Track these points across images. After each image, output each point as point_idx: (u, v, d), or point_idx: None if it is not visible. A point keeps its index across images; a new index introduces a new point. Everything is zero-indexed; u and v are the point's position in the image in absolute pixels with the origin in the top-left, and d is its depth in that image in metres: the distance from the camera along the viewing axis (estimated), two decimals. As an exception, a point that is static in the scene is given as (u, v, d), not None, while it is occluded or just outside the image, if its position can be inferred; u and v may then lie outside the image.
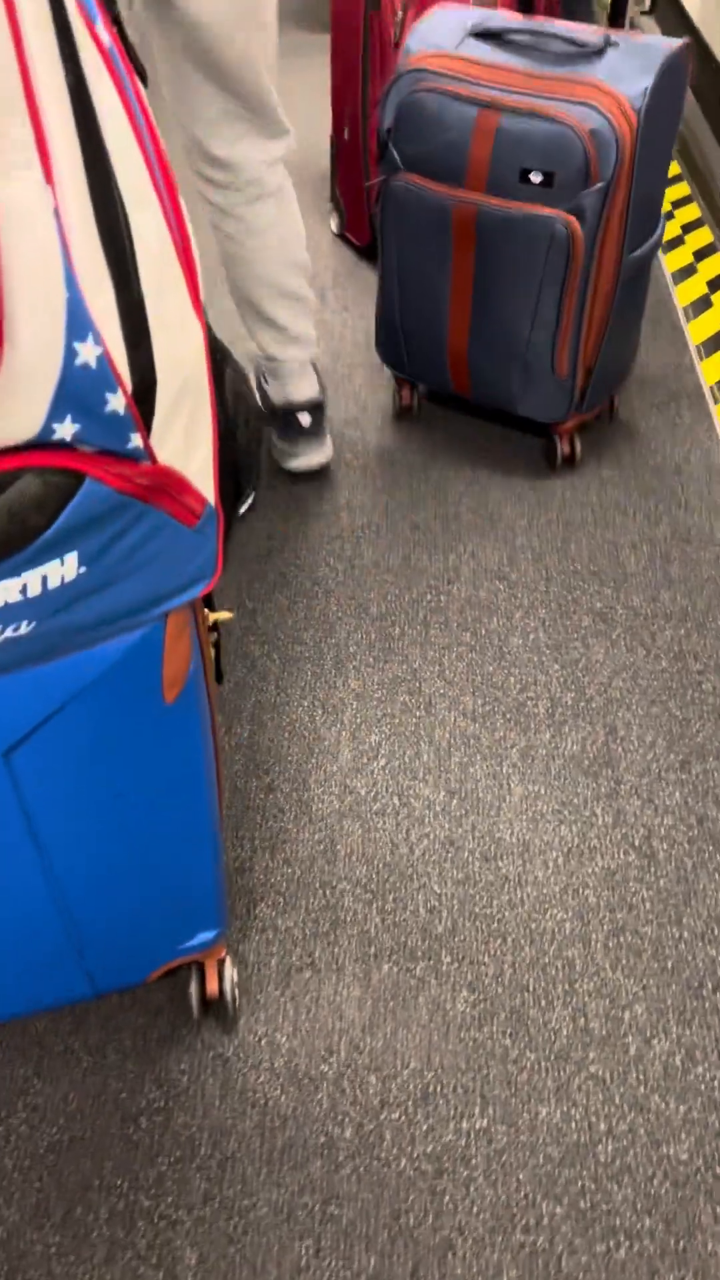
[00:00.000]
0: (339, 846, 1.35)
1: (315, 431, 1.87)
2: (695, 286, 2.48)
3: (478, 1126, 1.11)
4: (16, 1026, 1.17)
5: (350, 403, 2.11)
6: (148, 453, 0.68)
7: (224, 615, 1.01)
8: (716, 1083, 1.14)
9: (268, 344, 1.79)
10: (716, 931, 1.27)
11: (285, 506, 1.86)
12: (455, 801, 1.41)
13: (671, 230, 2.70)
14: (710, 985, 1.22)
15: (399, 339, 1.95)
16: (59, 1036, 1.16)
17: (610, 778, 1.44)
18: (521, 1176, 1.07)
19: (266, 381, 1.87)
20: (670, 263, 2.57)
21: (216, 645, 1.00)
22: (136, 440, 0.67)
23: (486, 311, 1.80)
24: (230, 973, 1.18)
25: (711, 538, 1.81)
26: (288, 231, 1.70)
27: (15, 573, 0.68)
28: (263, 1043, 1.17)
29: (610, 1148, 1.10)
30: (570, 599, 1.70)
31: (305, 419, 1.85)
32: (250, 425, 0.78)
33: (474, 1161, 1.08)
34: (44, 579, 0.70)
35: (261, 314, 1.74)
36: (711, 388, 2.15)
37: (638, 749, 1.48)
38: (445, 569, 1.75)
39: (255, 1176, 1.07)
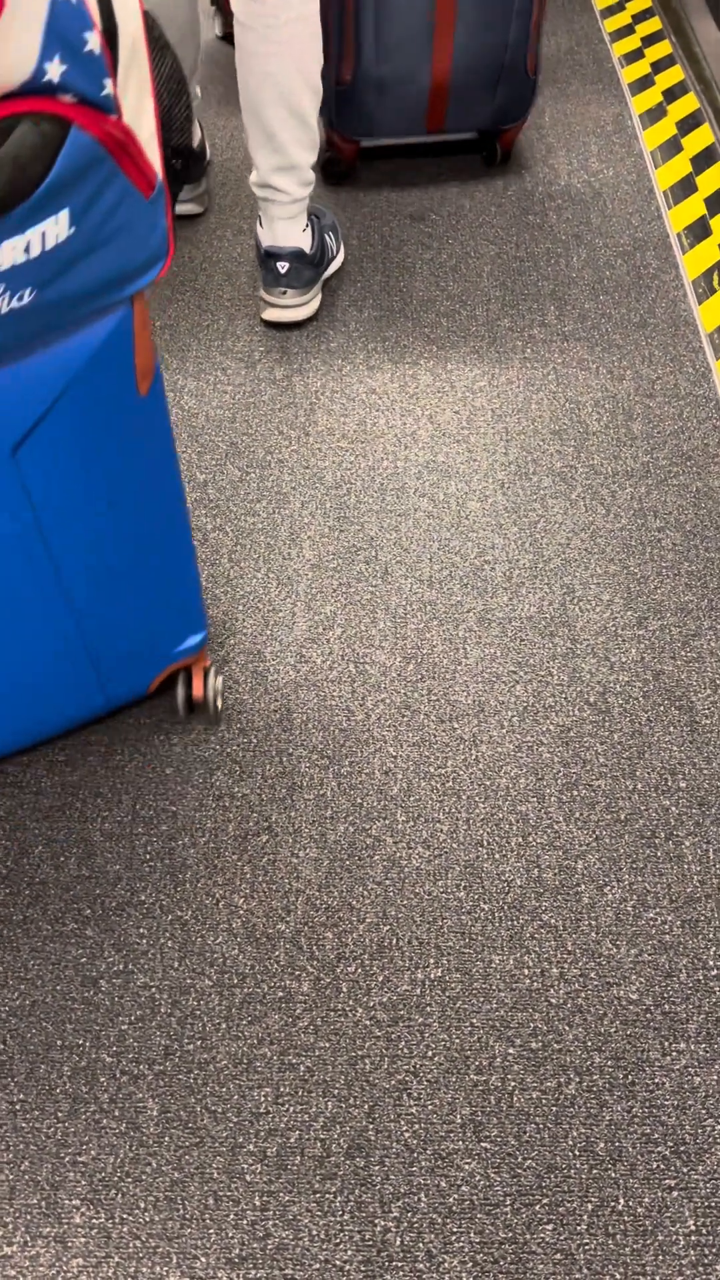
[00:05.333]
0: (295, 715, 1.35)
1: (292, 283, 1.82)
2: (664, 129, 2.36)
3: (432, 976, 1.13)
4: (-23, 900, 1.19)
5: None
6: (116, 104, 0.76)
7: None
8: (667, 926, 1.16)
9: (264, 168, 1.73)
10: (670, 783, 1.28)
11: (235, 371, 1.81)
12: (411, 667, 1.40)
13: (640, 70, 2.57)
14: (663, 834, 1.23)
15: (369, 98, 2.00)
16: (17, 907, 1.18)
17: (567, 637, 1.43)
18: (475, 1022, 1.10)
19: (261, 225, 1.83)
20: (638, 105, 2.44)
21: None
22: (109, 87, 0.75)
23: (472, 29, 1.94)
24: (215, 681, 1.31)
25: (676, 392, 1.76)
26: (311, 49, 1.64)
27: (21, 229, 0.78)
28: (220, 905, 1.18)
29: (562, 991, 1.12)
30: (530, 460, 1.67)
31: (283, 266, 1.80)
32: (183, 115, 0.91)
33: (429, 1009, 1.11)
34: (43, 236, 0.80)
35: (266, 129, 1.69)
36: (679, 234, 2.07)
37: (595, 608, 1.46)
38: (403, 434, 1.71)
39: (214, 1031, 1.09)
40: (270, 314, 1.86)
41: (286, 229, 1.80)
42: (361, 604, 1.47)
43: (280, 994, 1.12)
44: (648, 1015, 1.10)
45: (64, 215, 0.79)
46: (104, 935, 1.16)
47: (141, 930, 1.16)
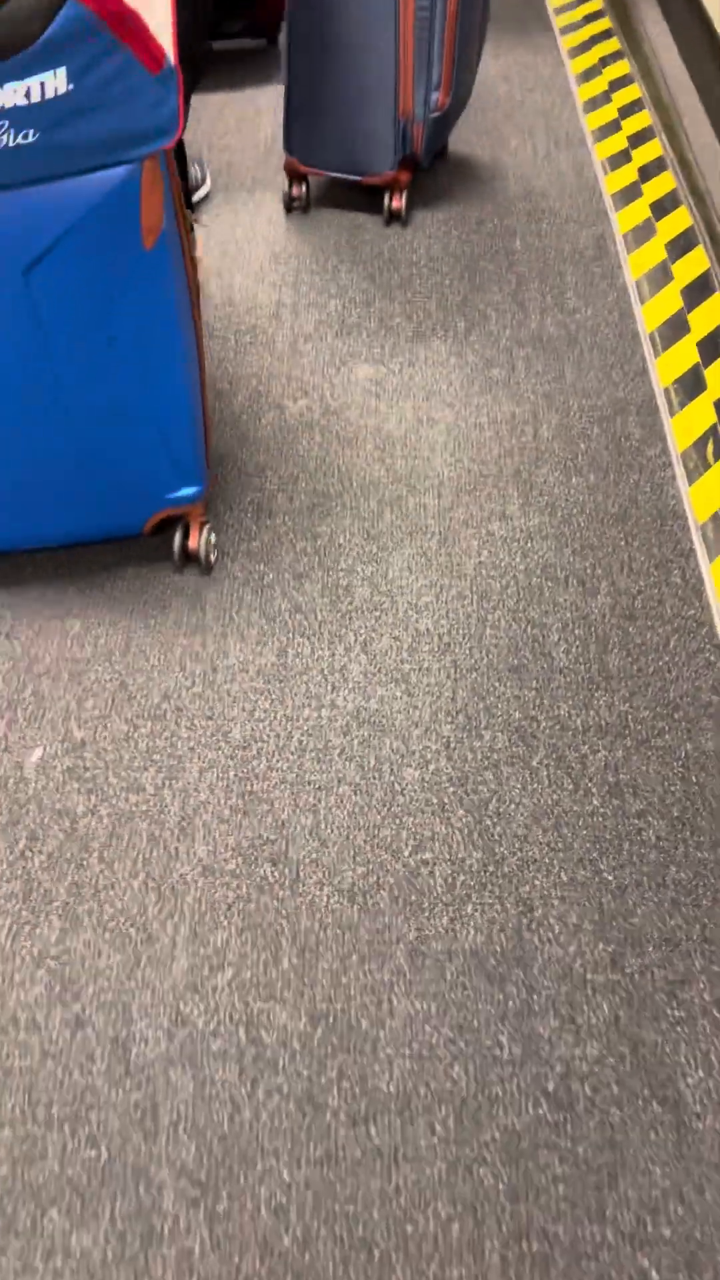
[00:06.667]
0: (162, 1110, 1.04)
1: None
2: (653, 252, 2.07)
3: None
4: None
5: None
6: None
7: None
8: None
9: None
10: (650, 1228, 0.97)
11: (133, 576, 1.50)
12: (321, 1032, 1.09)
13: (624, 177, 2.28)
14: (640, 1320, 0.92)
15: (450, 119, 2.08)
16: None
17: (522, 985, 1.12)
18: None
19: None
20: (623, 222, 2.15)
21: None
22: None
23: (467, 36, 2.01)
24: (210, 536, 1.46)
25: (661, 613, 1.46)
26: None
27: (20, 76, 0.95)
28: None
29: None
30: (482, 707, 1.36)
31: None
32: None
33: None
34: (42, 86, 0.96)
35: None
36: (667, 390, 1.77)
37: (558, 935, 1.15)
38: (330, 669, 1.40)
39: None
40: None
41: None
42: (263, 929, 1.16)
43: None
44: None
45: (61, 71, 0.95)
46: None
47: None
